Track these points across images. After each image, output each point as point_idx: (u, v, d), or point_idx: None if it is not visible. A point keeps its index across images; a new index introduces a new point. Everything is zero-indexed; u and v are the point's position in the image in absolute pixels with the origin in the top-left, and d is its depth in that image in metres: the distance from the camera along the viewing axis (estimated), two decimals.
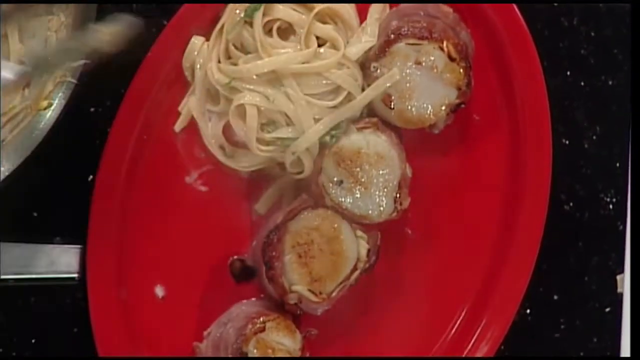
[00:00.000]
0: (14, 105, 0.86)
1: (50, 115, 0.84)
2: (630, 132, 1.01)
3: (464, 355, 0.97)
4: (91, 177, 0.95)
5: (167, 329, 0.96)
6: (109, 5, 0.95)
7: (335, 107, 0.93)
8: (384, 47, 0.92)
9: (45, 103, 0.84)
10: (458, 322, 0.98)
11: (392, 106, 0.92)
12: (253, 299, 0.96)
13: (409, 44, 0.92)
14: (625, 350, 1.01)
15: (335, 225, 0.91)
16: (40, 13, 0.88)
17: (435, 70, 0.91)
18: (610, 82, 1.02)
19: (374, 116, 0.94)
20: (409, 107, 0.92)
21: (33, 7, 0.88)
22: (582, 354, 1.02)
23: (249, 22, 0.92)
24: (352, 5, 0.95)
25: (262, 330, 0.90)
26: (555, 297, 1.01)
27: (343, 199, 0.92)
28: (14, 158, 0.83)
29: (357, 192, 0.92)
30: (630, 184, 1.01)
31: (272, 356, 0.90)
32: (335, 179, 0.91)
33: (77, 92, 0.84)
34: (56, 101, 0.84)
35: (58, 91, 0.84)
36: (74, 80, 0.85)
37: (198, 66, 0.94)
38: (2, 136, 0.86)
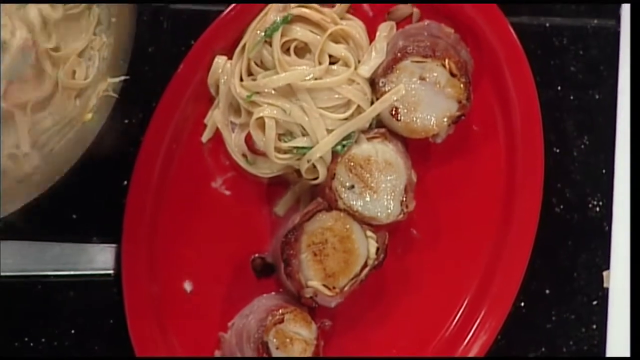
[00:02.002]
0: (65, 114, 0.87)
1: (93, 126, 0.86)
2: (615, 141, 1.02)
3: (465, 342, 0.99)
4: (126, 182, 0.98)
5: (194, 320, 0.98)
6: (145, 16, 0.99)
7: (346, 119, 0.95)
8: (391, 65, 0.94)
9: (89, 115, 0.87)
10: (459, 313, 1.00)
11: (398, 118, 0.94)
12: (273, 293, 0.99)
13: (414, 61, 0.94)
14: (625, 348, 1.01)
15: (347, 226, 0.94)
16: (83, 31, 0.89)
17: (438, 86, 0.94)
18: (597, 96, 1.03)
19: (382, 127, 0.96)
20: (414, 119, 0.95)
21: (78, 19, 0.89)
22: (571, 342, 1.02)
23: (268, 41, 0.95)
24: (363, 27, 0.98)
25: (281, 321, 0.92)
26: (547, 292, 1.03)
27: (354, 202, 0.94)
28: (62, 165, 0.85)
29: (367, 196, 0.94)
30: (615, 188, 1.03)
31: (290, 349, 0.92)
32: (347, 184, 0.94)
33: (113, 105, 0.87)
34: (99, 114, 0.86)
35: (101, 105, 0.87)
36: (116, 95, 0.86)
37: (222, 82, 0.96)
38: (51, 146, 0.87)
